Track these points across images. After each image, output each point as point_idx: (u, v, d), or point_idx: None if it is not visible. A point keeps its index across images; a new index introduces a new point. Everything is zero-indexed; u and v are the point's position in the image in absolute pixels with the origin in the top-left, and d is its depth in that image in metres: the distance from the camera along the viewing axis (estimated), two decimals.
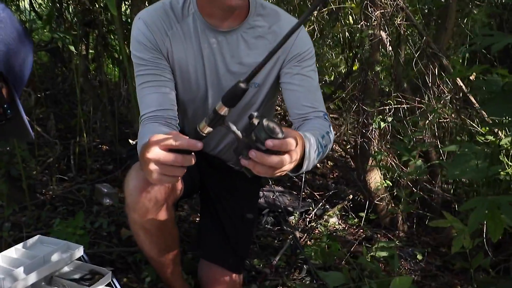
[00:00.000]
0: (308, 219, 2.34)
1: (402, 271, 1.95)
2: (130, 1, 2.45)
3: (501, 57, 2.40)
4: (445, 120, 2.21)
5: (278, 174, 0.86)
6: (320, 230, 2.25)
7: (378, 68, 2.27)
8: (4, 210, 1.96)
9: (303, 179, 2.55)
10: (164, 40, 1.26)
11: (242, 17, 1.28)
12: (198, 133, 0.83)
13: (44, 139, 2.58)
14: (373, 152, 2.27)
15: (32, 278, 1.15)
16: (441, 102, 2.15)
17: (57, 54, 3.20)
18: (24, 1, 3.40)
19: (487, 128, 1.87)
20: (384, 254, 1.81)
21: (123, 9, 2.74)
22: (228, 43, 1.29)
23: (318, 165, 2.97)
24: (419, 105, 2.19)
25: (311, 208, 2.43)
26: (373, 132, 2.26)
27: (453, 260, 2.00)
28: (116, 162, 2.65)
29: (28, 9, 3.36)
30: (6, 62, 0.78)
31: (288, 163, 0.83)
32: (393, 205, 2.34)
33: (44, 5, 3.56)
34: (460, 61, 2.28)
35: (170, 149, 0.84)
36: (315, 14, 2.37)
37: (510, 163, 1.52)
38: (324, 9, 2.35)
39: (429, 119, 2.15)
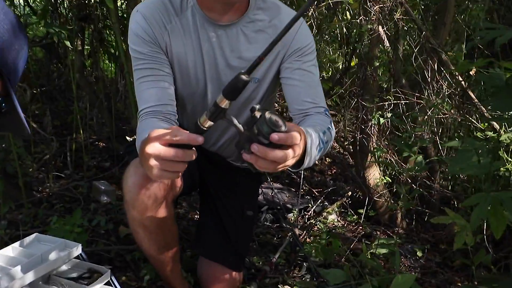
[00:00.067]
0: (307, 216, 2.33)
1: (402, 268, 1.95)
2: None
3: (501, 52, 2.39)
4: (444, 116, 2.20)
5: (280, 169, 0.84)
6: (319, 227, 2.24)
7: (377, 64, 2.26)
8: (0, 208, 1.94)
9: (302, 175, 2.53)
10: (163, 34, 1.24)
11: (242, 10, 1.26)
12: (199, 127, 0.81)
13: (40, 135, 2.55)
14: (372, 148, 2.26)
15: (30, 277, 1.13)
16: (440, 97, 2.13)
17: (52, 50, 3.16)
18: None
19: (486, 124, 1.87)
20: (384, 251, 1.80)
21: (119, 3, 2.70)
22: (227, 37, 1.27)
23: (316, 161, 2.95)
24: (418, 100, 2.18)
25: (310, 205, 2.42)
26: (372, 128, 2.25)
27: (453, 257, 2.00)
28: (113, 159, 2.63)
29: (22, 3, 3.31)
30: (0, 54, 0.76)
31: (291, 157, 0.82)
32: (392, 201, 2.33)
33: (38, 0, 3.51)
34: (463, 55, 2.26)
35: (171, 144, 0.82)
36: (312, 9, 2.34)
37: (510, 159, 1.51)
38: (322, 3, 2.32)
39: (428, 113, 2.14)
